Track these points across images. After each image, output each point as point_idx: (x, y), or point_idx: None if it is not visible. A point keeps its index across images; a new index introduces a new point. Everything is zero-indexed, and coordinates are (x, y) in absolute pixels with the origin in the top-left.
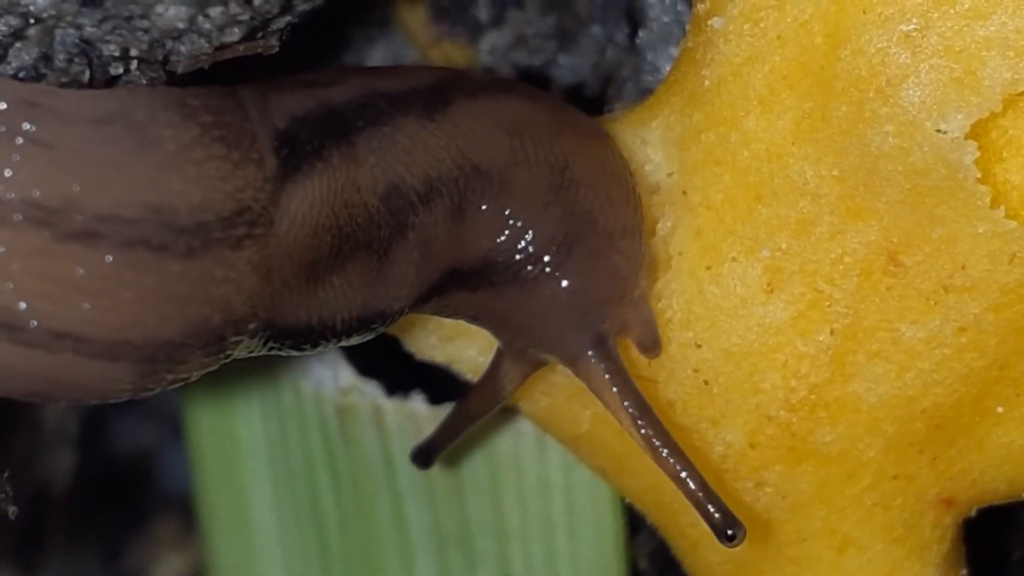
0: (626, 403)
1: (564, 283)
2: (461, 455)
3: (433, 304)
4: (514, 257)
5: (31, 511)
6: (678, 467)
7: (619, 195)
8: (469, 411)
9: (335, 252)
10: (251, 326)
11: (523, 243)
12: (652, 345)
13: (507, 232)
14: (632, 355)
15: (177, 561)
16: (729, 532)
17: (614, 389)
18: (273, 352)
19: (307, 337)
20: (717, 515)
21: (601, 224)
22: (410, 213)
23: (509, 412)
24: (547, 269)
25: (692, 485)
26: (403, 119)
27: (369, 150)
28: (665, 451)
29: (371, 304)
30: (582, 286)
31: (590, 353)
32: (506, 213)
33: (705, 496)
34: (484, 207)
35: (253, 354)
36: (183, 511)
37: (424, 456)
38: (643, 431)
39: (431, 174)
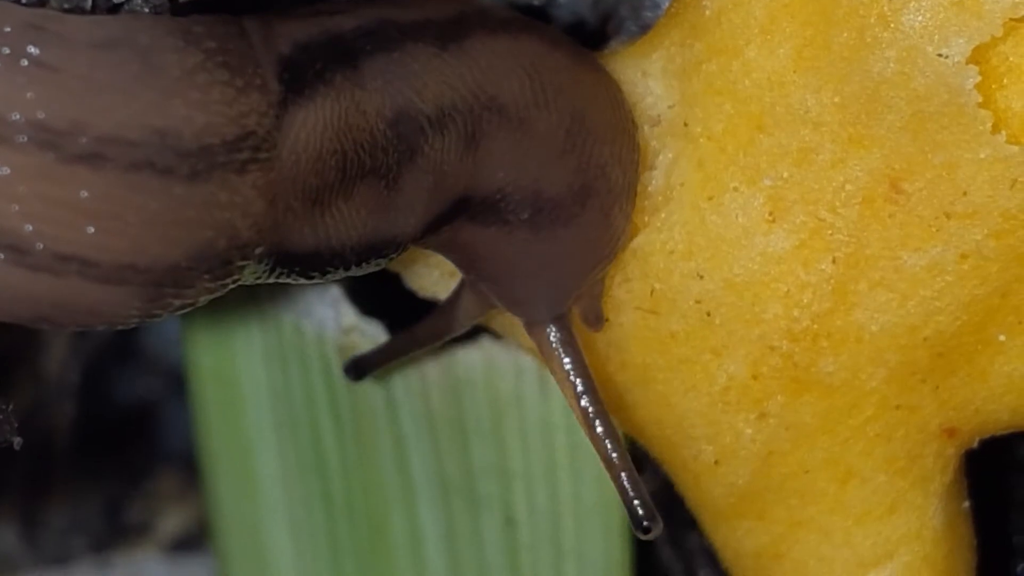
0: (574, 376)
1: (576, 234)
2: (463, 396)
3: (443, 236)
4: (530, 197)
5: (33, 463)
6: (610, 448)
7: (627, 153)
8: (418, 335)
9: (341, 177)
10: (257, 251)
11: (540, 184)
12: (595, 320)
13: (524, 168)
14: (634, 286)
15: (178, 516)
16: (645, 524)
17: (565, 359)
18: (282, 280)
19: (315, 263)
20: (638, 504)
21: (612, 181)
22: (421, 138)
23: (511, 350)
24: (562, 217)
25: (622, 471)
26: (414, 46)
27: (376, 74)
28: (601, 429)
29: (380, 230)
30: (591, 240)
31: (551, 322)
32: (523, 149)
33: (631, 483)
34: (500, 139)
35: (260, 281)
36: (184, 466)
37: (358, 368)
38: (583, 405)
39: (443, 101)
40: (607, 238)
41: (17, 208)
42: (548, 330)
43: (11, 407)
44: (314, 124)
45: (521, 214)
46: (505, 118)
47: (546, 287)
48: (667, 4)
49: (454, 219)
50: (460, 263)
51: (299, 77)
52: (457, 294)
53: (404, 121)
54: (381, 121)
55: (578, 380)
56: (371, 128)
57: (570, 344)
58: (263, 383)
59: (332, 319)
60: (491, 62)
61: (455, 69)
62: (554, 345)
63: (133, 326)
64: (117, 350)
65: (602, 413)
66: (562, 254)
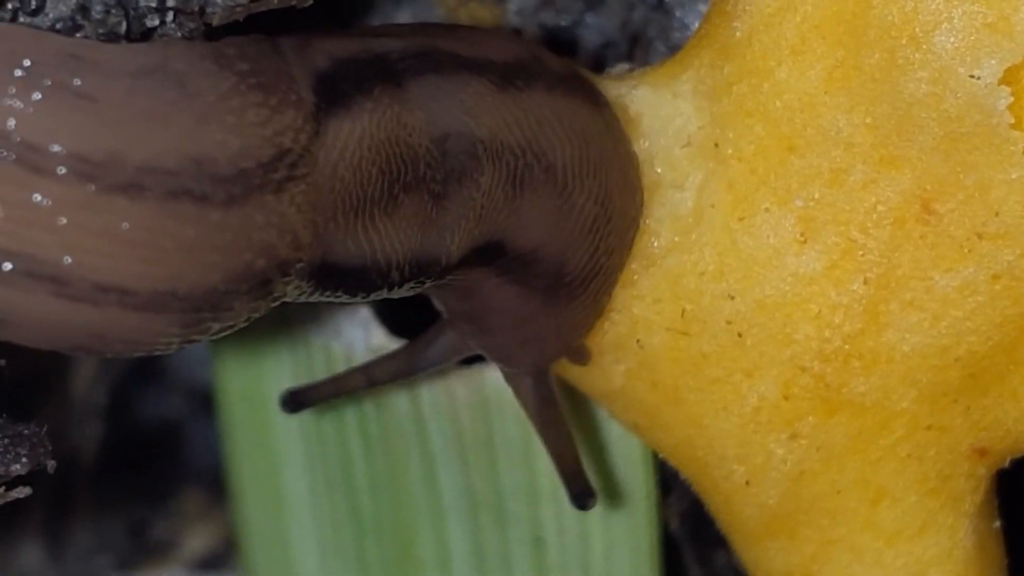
0: (550, 428)
1: (572, 313)
2: (492, 416)
3: (471, 277)
4: (554, 267)
5: (59, 483)
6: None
7: (630, 236)
8: (375, 374)
9: (384, 191)
10: (298, 266)
11: (565, 255)
12: (581, 356)
13: (557, 236)
14: (665, 307)
15: (204, 534)
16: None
17: (543, 410)
18: (326, 298)
19: (360, 280)
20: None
21: (614, 263)
22: (472, 163)
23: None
24: (568, 296)
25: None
26: (471, 77)
27: (422, 92)
28: (566, 454)
29: (425, 247)
30: (579, 321)
31: (530, 375)
32: (560, 215)
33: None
34: (544, 197)
35: (304, 299)
36: (210, 484)
37: (294, 402)
38: (549, 442)
39: (498, 134)
40: (592, 318)
41: (58, 240)
42: (528, 383)
43: (45, 430)
44: (350, 132)
45: (544, 280)
46: (551, 178)
47: (539, 349)
48: (696, 25)
49: (485, 263)
50: (465, 310)
51: (335, 88)
52: (433, 335)
53: (454, 141)
54: (425, 137)
55: (553, 433)
56: (413, 142)
57: (549, 396)
58: None
59: (361, 340)
60: (547, 118)
61: (511, 111)
62: (532, 395)
63: (172, 352)
64: (143, 370)
65: (576, 459)
66: (556, 328)
